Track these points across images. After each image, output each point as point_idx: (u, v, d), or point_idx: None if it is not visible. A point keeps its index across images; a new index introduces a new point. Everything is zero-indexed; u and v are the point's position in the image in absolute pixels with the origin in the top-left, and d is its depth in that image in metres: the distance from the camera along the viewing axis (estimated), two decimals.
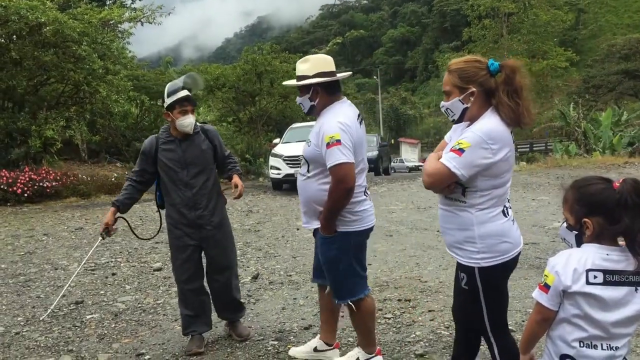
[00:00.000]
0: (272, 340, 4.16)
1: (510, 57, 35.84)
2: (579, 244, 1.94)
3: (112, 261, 7.16)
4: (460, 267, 2.63)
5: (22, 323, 4.85)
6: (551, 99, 38.08)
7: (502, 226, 2.49)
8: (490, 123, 2.43)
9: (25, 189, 13.70)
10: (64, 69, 15.75)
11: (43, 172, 14.61)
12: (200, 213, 4.01)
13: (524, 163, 22.37)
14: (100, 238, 4.15)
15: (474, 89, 2.48)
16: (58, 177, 14.76)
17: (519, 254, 2.58)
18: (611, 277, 1.83)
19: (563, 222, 2.01)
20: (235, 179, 4.17)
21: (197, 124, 4.11)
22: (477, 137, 2.38)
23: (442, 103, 2.59)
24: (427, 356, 3.73)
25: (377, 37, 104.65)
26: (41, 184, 14.10)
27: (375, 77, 65.48)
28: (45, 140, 15.84)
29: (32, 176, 14.12)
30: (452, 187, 2.48)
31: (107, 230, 4.05)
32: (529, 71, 33.47)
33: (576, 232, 1.94)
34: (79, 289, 5.88)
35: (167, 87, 4.03)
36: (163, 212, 4.23)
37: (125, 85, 18.53)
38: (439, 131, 58.03)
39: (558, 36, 42.79)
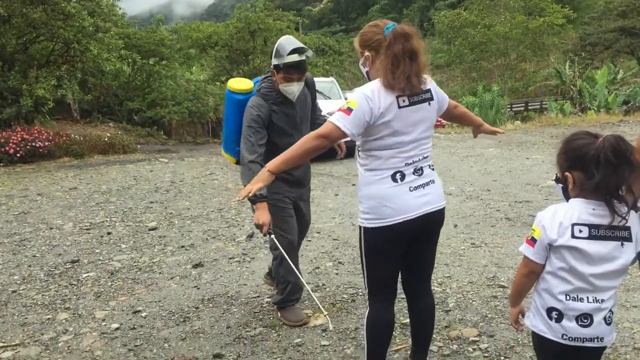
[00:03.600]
0: (267, 298, 4.20)
1: (507, 14, 35.59)
2: (565, 197, 1.97)
3: (107, 221, 7.17)
4: None
5: (18, 281, 4.88)
6: (547, 57, 37.79)
7: (386, 190, 2.47)
8: (375, 84, 2.44)
9: (18, 149, 13.62)
10: (54, 27, 15.47)
11: (35, 131, 14.51)
12: (304, 170, 3.76)
13: (519, 122, 22.33)
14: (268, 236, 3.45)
15: (367, 53, 2.54)
16: (50, 137, 14.67)
17: (412, 220, 2.48)
18: (596, 232, 1.85)
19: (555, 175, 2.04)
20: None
21: None
22: (361, 95, 2.40)
23: None
24: None
25: None
26: (34, 143, 14.02)
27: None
28: (36, 100, 15.69)
29: (25, 136, 14.03)
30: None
31: (264, 232, 3.36)
32: (525, 28, 33.42)
33: (562, 185, 1.96)
34: (74, 247, 5.90)
35: (277, 45, 3.49)
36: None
37: (116, 44, 18.27)
38: None
39: None
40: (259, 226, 3.33)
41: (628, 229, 1.87)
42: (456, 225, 6.03)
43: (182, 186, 9.83)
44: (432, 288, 4.17)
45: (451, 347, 3.28)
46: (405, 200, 2.48)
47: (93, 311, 4.14)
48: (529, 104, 31.99)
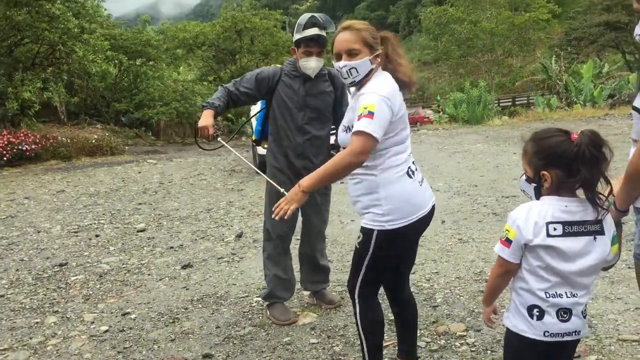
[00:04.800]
0: (257, 297, 4.21)
1: (493, 10, 35.76)
2: (537, 196, 1.94)
3: (95, 223, 7.14)
4: (361, 229, 2.53)
5: (6, 286, 4.86)
6: (533, 52, 38.02)
7: (407, 187, 2.45)
8: (385, 82, 2.42)
9: (4, 152, 13.55)
10: (38, 29, 15.40)
11: (22, 135, 14.43)
12: (307, 164, 3.57)
13: (506, 117, 22.46)
14: (207, 142, 3.58)
15: (381, 51, 2.48)
16: (37, 140, 14.60)
17: (426, 215, 2.51)
18: (570, 228, 1.84)
19: (522, 175, 2.00)
20: None
21: (326, 67, 3.64)
22: (378, 98, 2.33)
23: (346, 62, 2.44)
24: None
25: None
26: (20, 147, 13.95)
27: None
28: (22, 103, 15.61)
29: (11, 139, 13.95)
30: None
31: (208, 136, 3.44)
32: (511, 24, 33.59)
33: (535, 185, 1.94)
34: (62, 251, 5.88)
35: (298, 20, 3.51)
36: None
37: (102, 45, 18.20)
38: (422, 87, 57.79)
39: None
40: (203, 130, 3.39)
41: (599, 222, 1.87)
42: (444, 221, 6.07)
43: (170, 187, 9.81)
44: (421, 284, 4.23)
45: (439, 342, 3.31)
46: (420, 195, 2.49)
47: (82, 314, 4.13)
48: (516, 99, 32.23)
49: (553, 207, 1.86)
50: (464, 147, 12.47)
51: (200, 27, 29.76)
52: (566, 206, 1.85)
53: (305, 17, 3.48)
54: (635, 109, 1.94)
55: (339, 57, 2.48)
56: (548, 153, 1.87)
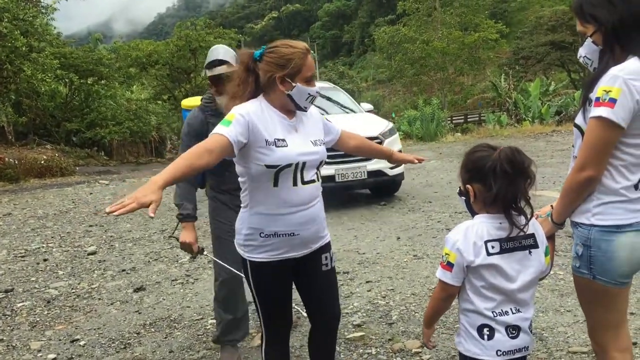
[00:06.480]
0: (212, 319, 4.13)
1: (444, 30, 36.61)
2: (468, 209, 1.99)
3: (43, 247, 6.92)
4: (327, 248, 2.45)
5: None
6: (483, 71, 39.04)
7: None
8: None
9: None
10: None
11: None
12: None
13: (459, 134, 22.94)
14: (192, 257, 3.55)
15: None
16: None
17: None
18: (506, 245, 1.87)
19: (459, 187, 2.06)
20: None
21: None
22: None
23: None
24: (364, 326, 3.81)
25: (313, 11, 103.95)
26: None
27: (312, 51, 65.20)
28: None
29: None
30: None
31: (195, 250, 3.26)
32: (461, 43, 34.43)
33: (465, 198, 1.98)
34: (8, 276, 5.67)
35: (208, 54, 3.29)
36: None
37: (52, 64, 17.82)
38: (376, 105, 58.57)
39: (488, 9, 43.65)
40: (186, 246, 3.20)
41: (532, 236, 1.92)
42: (399, 238, 6.11)
43: None
44: (377, 301, 4.24)
45: (394, 359, 3.31)
46: None
47: (28, 342, 3.97)
48: (468, 116, 32.90)
49: (487, 225, 1.89)
50: (417, 164, 12.64)
51: (154, 46, 29.45)
52: (500, 223, 1.88)
53: (210, 54, 3.28)
54: (575, 125, 2.01)
55: (310, 81, 2.28)
56: (471, 167, 1.93)
